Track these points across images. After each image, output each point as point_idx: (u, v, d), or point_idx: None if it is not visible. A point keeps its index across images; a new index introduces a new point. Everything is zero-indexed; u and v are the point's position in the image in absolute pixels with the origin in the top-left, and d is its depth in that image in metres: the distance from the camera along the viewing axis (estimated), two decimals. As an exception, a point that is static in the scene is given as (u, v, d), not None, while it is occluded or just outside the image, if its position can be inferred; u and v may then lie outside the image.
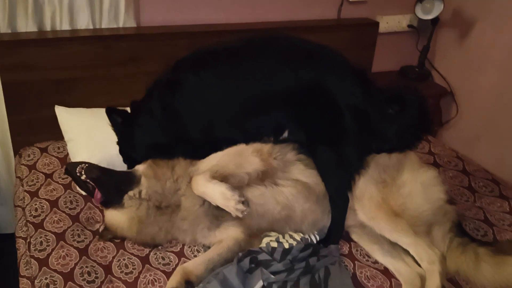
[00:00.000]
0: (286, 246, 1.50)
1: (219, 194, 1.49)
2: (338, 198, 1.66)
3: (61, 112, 2.08)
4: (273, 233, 1.59)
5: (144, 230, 1.59)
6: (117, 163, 1.85)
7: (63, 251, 1.56)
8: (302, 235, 1.61)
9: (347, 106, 1.63)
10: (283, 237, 1.57)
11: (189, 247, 1.63)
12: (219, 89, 1.72)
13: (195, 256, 1.59)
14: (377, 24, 2.77)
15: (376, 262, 1.62)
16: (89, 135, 1.97)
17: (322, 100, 1.65)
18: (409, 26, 2.92)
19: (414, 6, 2.70)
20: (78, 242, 1.61)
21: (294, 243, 1.54)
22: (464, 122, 2.88)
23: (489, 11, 2.62)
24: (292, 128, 1.72)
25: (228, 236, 1.55)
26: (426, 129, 1.77)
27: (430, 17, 2.68)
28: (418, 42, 2.95)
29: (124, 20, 2.23)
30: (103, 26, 2.22)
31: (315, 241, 1.64)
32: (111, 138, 1.87)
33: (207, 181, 1.52)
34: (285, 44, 1.76)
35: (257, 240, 1.59)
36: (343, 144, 1.65)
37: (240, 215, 1.47)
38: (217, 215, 1.58)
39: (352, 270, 1.57)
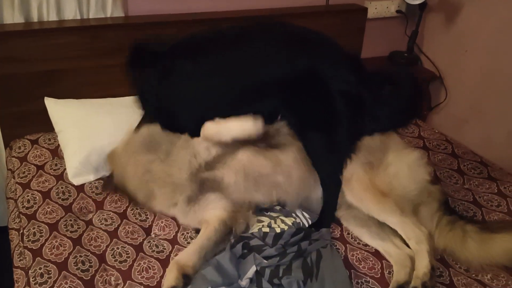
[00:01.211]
0: (278, 230, 1.52)
1: (234, 122, 1.57)
2: (330, 182, 1.68)
3: (50, 103, 2.08)
4: (264, 218, 1.60)
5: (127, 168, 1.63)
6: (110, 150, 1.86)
7: (56, 241, 1.57)
8: (293, 219, 1.62)
9: (340, 92, 1.65)
10: (275, 222, 1.58)
11: (182, 234, 1.65)
12: (214, 77, 1.73)
13: (188, 243, 1.60)
14: (365, 9, 2.77)
15: (366, 244, 1.64)
16: (79, 125, 1.97)
17: (315, 86, 1.67)
18: (397, 11, 2.93)
19: (402, -9, 2.71)
20: (71, 232, 1.62)
21: (286, 227, 1.56)
22: (453, 105, 2.91)
23: (476, -6, 2.64)
24: (284, 114, 1.73)
25: (211, 217, 1.57)
26: (418, 109, 1.84)
27: (417, 2, 2.68)
28: (406, 27, 2.97)
29: (111, 10, 2.22)
30: (91, 17, 2.21)
31: (306, 225, 1.65)
32: (101, 127, 1.88)
33: (217, 123, 1.58)
34: (280, 31, 1.78)
35: (241, 215, 1.60)
36: (334, 129, 1.67)
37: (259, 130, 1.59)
38: (203, 181, 1.62)
39: (343, 253, 1.60)
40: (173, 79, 1.75)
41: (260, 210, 1.70)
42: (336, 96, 1.64)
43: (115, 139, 1.87)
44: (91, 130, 1.94)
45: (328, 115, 1.67)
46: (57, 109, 2.06)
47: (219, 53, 1.74)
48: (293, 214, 1.68)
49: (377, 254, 1.60)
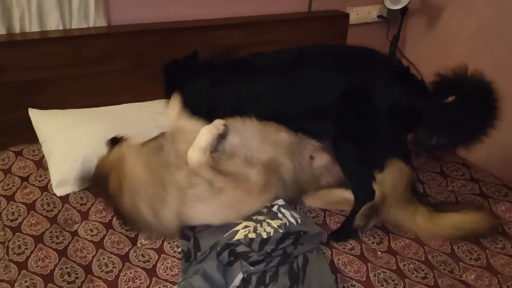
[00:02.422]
0: (264, 236, 1.52)
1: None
2: (361, 191, 1.72)
3: (34, 114, 2.07)
4: (250, 223, 1.60)
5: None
6: (94, 161, 1.84)
7: (42, 254, 1.56)
8: (280, 221, 1.63)
9: (385, 105, 1.68)
10: (261, 226, 1.59)
11: (169, 243, 1.65)
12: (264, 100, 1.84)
13: (174, 252, 1.61)
14: (347, 15, 2.81)
15: (352, 248, 1.66)
16: (63, 134, 1.96)
17: (358, 100, 1.71)
18: (379, 16, 2.97)
19: (383, -4, 2.75)
20: (56, 243, 1.61)
21: (272, 230, 1.56)
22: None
23: (455, -2, 2.69)
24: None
25: None
26: (491, 120, 1.71)
27: (398, 7, 2.72)
28: (388, 32, 3.00)
29: (94, 20, 2.21)
30: (73, 26, 2.20)
31: (295, 224, 1.63)
32: (86, 136, 1.89)
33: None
34: (326, 52, 1.88)
35: None
36: (369, 141, 1.71)
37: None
38: None
39: (329, 257, 1.61)
40: (224, 92, 1.86)
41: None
42: (379, 109, 1.67)
43: (100, 147, 1.86)
44: (75, 139, 1.93)
45: (366, 127, 1.70)
46: (41, 119, 2.05)
47: (271, 78, 1.84)
48: (280, 215, 1.67)
49: (362, 257, 1.62)
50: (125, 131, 1.91)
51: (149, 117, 2.10)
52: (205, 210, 1.64)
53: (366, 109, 1.69)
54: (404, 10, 2.76)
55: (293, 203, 1.82)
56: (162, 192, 1.61)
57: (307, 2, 2.76)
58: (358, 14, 2.91)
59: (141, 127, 2.01)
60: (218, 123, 1.70)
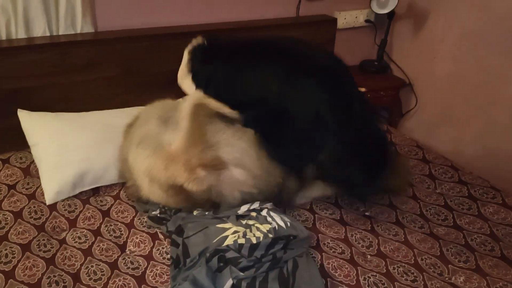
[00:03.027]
0: (254, 241, 1.52)
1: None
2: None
3: (24, 116, 2.04)
4: (239, 228, 1.60)
5: None
6: (86, 167, 1.87)
7: (29, 262, 1.54)
8: (269, 225, 1.62)
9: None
10: (250, 231, 1.58)
11: (158, 249, 1.64)
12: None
13: (163, 258, 1.60)
14: (335, 20, 2.82)
15: (342, 252, 1.66)
16: (55, 139, 1.94)
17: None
18: (366, 21, 2.99)
19: (370, 1, 2.76)
20: (44, 252, 1.59)
21: (261, 235, 1.56)
22: (423, 111, 2.97)
23: (440, 3, 2.72)
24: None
25: None
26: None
27: (385, 11, 2.75)
28: (376, 36, 3.03)
29: (81, 26, 2.20)
30: (60, 33, 2.19)
31: (284, 227, 1.63)
32: (78, 142, 1.89)
33: None
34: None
35: None
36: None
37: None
38: None
39: (319, 262, 1.61)
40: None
41: (237, 218, 1.70)
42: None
43: (91, 154, 1.88)
44: (67, 144, 1.91)
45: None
46: (31, 121, 2.02)
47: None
48: (269, 219, 1.67)
49: (351, 261, 1.62)
50: (117, 136, 1.92)
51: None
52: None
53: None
54: (391, 15, 2.79)
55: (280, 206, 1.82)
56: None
57: (295, 7, 2.78)
58: (345, 19, 2.93)
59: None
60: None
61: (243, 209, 1.74)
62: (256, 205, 1.74)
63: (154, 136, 1.74)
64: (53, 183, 1.84)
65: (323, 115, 1.69)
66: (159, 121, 1.80)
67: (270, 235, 1.57)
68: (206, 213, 1.73)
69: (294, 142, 1.74)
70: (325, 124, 1.69)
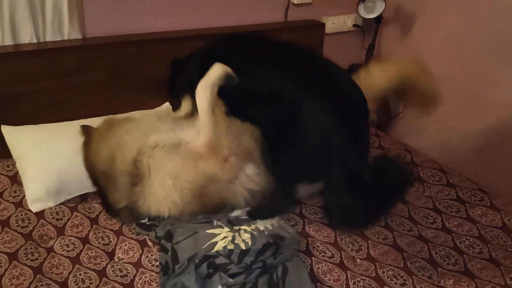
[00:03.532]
0: (243, 246, 1.52)
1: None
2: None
3: (7, 131, 2.03)
4: (228, 234, 1.59)
5: None
6: (69, 175, 1.86)
7: (16, 271, 1.52)
8: (254, 225, 1.64)
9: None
10: (239, 235, 1.58)
11: (146, 256, 1.63)
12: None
13: (152, 265, 1.59)
14: (323, 25, 2.84)
15: (332, 256, 1.66)
16: (37, 150, 1.93)
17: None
18: (354, 25, 3.01)
19: (357, 5, 2.78)
20: (32, 260, 1.58)
21: (249, 237, 1.56)
22: (411, 115, 2.98)
23: (426, 7, 2.74)
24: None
25: None
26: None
27: (373, 15, 2.76)
28: (364, 40, 3.05)
29: (68, 32, 2.19)
30: (47, 39, 2.18)
31: (270, 227, 1.65)
32: (60, 150, 1.88)
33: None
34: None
35: None
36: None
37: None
38: None
39: (309, 266, 1.61)
40: None
41: (228, 222, 1.71)
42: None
43: (74, 161, 1.86)
44: (49, 153, 1.90)
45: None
46: (14, 135, 2.01)
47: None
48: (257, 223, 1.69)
49: (341, 265, 1.62)
50: None
51: None
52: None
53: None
54: (378, 19, 2.81)
55: None
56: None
57: (283, 12, 2.79)
58: (333, 24, 2.94)
59: None
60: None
61: (235, 213, 1.75)
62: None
63: (171, 138, 1.71)
64: (36, 193, 1.83)
65: (331, 144, 1.66)
66: (164, 123, 1.80)
67: (255, 233, 1.58)
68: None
69: (295, 161, 1.71)
70: (330, 153, 1.66)
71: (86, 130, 1.91)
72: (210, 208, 1.70)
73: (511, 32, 2.32)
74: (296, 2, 2.77)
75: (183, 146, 1.67)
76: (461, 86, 2.63)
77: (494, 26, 2.39)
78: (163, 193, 1.66)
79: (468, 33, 2.53)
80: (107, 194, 1.76)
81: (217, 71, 1.65)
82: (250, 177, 1.73)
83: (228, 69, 1.67)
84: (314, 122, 1.66)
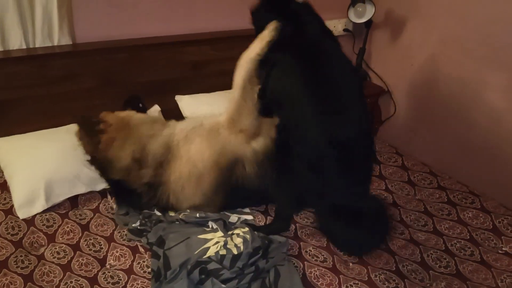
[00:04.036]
0: (235, 251, 1.51)
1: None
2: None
3: None
4: (221, 239, 1.59)
5: None
6: (56, 178, 1.85)
7: (6, 279, 1.51)
8: (247, 228, 1.65)
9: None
10: (231, 240, 1.58)
11: (138, 263, 1.62)
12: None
13: (144, 272, 1.58)
14: (313, 29, 2.84)
15: (324, 260, 1.66)
16: (23, 157, 1.92)
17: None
18: (344, 30, 3.02)
19: (347, 10, 2.79)
20: (22, 268, 1.56)
21: (241, 240, 1.56)
22: (402, 118, 3.01)
23: (417, 11, 2.76)
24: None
25: None
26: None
27: (363, 20, 2.78)
28: (354, 44, 3.06)
29: (58, 38, 2.18)
30: (37, 45, 2.16)
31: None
32: (46, 156, 1.89)
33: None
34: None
35: None
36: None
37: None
38: None
39: (301, 271, 1.61)
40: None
41: (224, 226, 1.71)
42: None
43: (61, 165, 1.87)
44: (35, 158, 1.90)
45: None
46: (1, 145, 2.00)
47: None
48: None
49: (334, 269, 1.62)
50: None
51: None
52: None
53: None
54: (368, 24, 2.82)
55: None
56: None
57: (274, 17, 2.79)
58: (324, 28, 2.95)
59: None
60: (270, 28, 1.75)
61: (233, 219, 1.78)
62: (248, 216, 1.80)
63: (196, 120, 1.89)
64: (23, 198, 1.82)
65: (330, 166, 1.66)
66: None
67: (248, 236, 1.58)
68: (197, 214, 1.72)
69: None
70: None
71: (92, 124, 1.89)
72: (224, 165, 1.77)
73: (501, 36, 2.34)
74: (286, 7, 2.77)
75: (207, 124, 1.84)
76: (451, 90, 2.65)
77: (485, 31, 2.41)
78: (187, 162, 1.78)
79: (458, 37, 2.55)
80: (130, 174, 1.81)
81: (258, 45, 1.74)
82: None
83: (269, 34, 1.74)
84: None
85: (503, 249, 1.75)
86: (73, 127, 1.96)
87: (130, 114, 1.94)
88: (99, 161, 1.84)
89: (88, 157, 1.87)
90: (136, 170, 1.80)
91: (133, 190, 1.81)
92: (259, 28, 1.87)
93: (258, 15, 1.93)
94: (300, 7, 1.86)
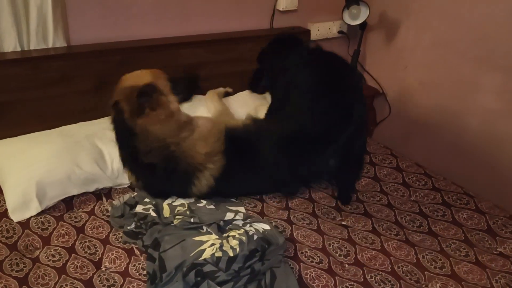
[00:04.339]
0: (231, 253, 1.51)
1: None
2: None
3: None
4: (216, 241, 1.59)
5: None
6: (48, 180, 1.84)
7: (1, 283, 1.50)
8: (243, 229, 1.64)
9: None
10: (227, 242, 1.57)
11: (134, 265, 1.62)
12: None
13: (140, 274, 1.58)
14: (308, 31, 2.86)
15: (320, 262, 1.67)
16: (16, 159, 1.91)
17: None
18: (339, 32, 3.03)
19: (342, 12, 2.80)
20: (17, 271, 1.55)
21: (237, 243, 1.55)
22: (397, 120, 3.02)
23: (410, 13, 2.77)
24: None
25: None
26: None
27: (357, 22, 2.79)
28: (349, 46, 3.07)
29: (53, 40, 2.17)
30: (32, 48, 2.16)
31: (261, 231, 1.65)
32: (39, 157, 1.89)
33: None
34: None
35: None
36: None
37: None
38: None
39: (297, 272, 1.61)
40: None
41: (219, 228, 1.70)
42: None
43: (53, 167, 1.87)
44: (27, 160, 1.89)
45: None
46: None
47: None
48: (247, 228, 1.67)
49: (329, 270, 1.63)
50: (75, 149, 1.95)
51: (99, 134, 2.08)
52: None
53: None
54: (363, 26, 2.83)
55: None
56: None
57: (269, 20, 2.80)
58: (319, 30, 2.97)
59: (89, 145, 2.01)
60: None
61: (229, 216, 1.76)
62: (240, 216, 1.77)
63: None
64: (16, 201, 1.80)
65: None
66: None
67: (244, 238, 1.57)
68: (191, 219, 1.72)
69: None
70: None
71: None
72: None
73: (494, 38, 2.36)
74: (281, 9, 2.79)
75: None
76: (445, 92, 2.66)
77: (477, 32, 2.43)
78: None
79: (452, 39, 2.57)
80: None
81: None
82: None
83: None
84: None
85: (498, 249, 1.76)
86: (66, 129, 1.96)
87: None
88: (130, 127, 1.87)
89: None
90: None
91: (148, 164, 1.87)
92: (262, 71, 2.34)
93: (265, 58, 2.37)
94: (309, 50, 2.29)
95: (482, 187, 2.33)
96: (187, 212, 1.75)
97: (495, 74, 2.39)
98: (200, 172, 1.87)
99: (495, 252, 1.75)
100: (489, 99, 2.44)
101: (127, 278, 1.56)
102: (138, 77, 1.96)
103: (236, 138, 1.96)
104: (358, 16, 2.77)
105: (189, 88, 2.16)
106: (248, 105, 2.40)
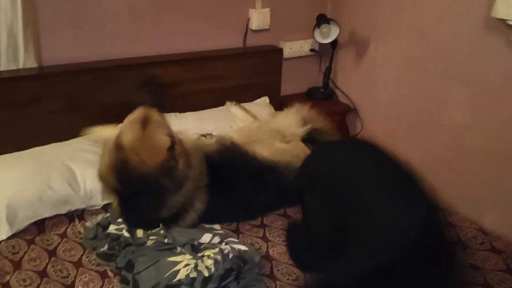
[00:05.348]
0: (206, 273, 1.51)
1: None
2: None
3: None
4: (191, 261, 1.58)
5: None
6: (18, 203, 1.81)
7: (-31, 310, 1.46)
8: (217, 249, 1.63)
9: None
10: (202, 262, 1.57)
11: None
12: None
13: None
14: (281, 50, 2.90)
15: (296, 279, 1.67)
16: None
17: None
18: (311, 50, 3.09)
19: (313, 31, 2.86)
20: (-14, 297, 1.52)
21: (212, 262, 1.55)
22: (368, 135, 3.06)
23: (379, 32, 2.84)
24: None
25: None
26: None
27: (328, 40, 2.85)
28: (321, 64, 3.13)
29: (24, 61, 2.16)
30: (2, 69, 2.13)
31: (237, 249, 1.64)
32: (8, 179, 1.87)
33: None
34: None
35: None
36: None
37: None
38: None
39: (273, 291, 1.61)
40: None
41: (193, 248, 1.69)
42: None
43: (23, 189, 1.84)
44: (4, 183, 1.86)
45: None
46: None
47: None
48: (223, 247, 1.67)
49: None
50: (46, 170, 1.92)
51: (71, 154, 2.05)
52: None
53: None
54: (334, 44, 2.90)
55: None
56: None
57: (242, 38, 2.84)
58: (291, 49, 3.01)
59: (60, 166, 1.98)
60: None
61: (205, 239, 1.73)
62: (217, 239, 1.74)
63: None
64: None
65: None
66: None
67: (219, 257, 1.56)
68: (165, 240, 1.70)
69: None
70: None
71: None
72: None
73: (459, 55, 2.43)
74: (254, 28, 2.83)
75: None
76: (415, 108, 2.72)
77: (443, 50, 2.50)
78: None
79: (419, 56, 2.64)
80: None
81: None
82: None
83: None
84: None
85: (468, 261, 1.80)
86: (37, 150, 1.93)
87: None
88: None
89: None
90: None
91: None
92: None
93: None
94: None
95: (453, 200, 2.37)
96: (161, 232, 1.74)
97: (462, 89, 2.45)
98: (187, 212, 1.84)
99: (465, 264, 1.78)
100: (458, 114, 2.51)
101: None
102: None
103: None
104: (328, 34, 2.83)
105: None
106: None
